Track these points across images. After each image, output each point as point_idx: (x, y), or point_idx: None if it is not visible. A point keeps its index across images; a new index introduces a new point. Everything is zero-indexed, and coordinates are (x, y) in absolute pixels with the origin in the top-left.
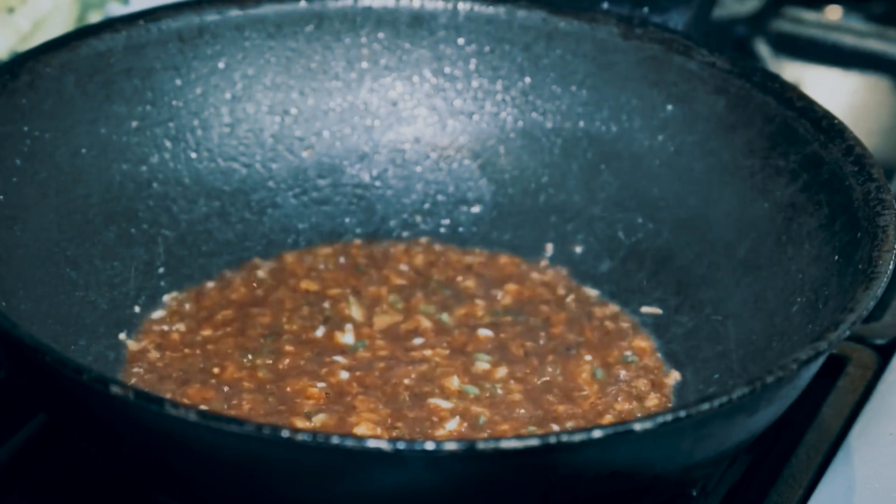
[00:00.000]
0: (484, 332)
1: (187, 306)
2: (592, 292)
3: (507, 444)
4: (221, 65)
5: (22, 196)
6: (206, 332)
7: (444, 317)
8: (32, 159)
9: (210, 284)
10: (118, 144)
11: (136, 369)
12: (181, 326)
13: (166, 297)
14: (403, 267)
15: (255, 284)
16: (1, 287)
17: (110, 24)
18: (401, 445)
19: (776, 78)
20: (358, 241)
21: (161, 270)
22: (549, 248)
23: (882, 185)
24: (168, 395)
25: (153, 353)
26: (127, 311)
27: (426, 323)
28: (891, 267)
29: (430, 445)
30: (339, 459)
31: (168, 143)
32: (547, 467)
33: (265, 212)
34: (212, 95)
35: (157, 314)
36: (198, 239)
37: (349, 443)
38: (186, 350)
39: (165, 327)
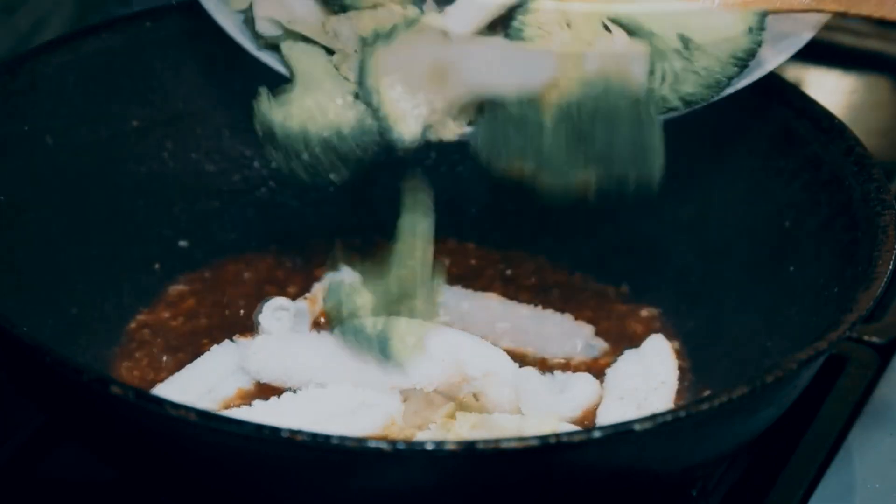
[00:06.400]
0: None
1: (188, 300)
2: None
3: (506, 444)
4: (221, 65)
5: (22, 196)
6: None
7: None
8: (32, 159)
9: (216, 275)
10: (118, 144)
11: (133, 345)
12: (188, 300)
13: (166, 297)
14: None
15: (265, 268)
16: (1, 287)
17: (110, 24)
18: (401, 445)
19: (776, 78)
20: (380, 239)
21: (161, 271)
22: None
23: (882, 185)
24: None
25: (154, 326)
26: (127, 310)
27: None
28: (891, 267)
29: (430, 445)
30: (339, 459)
31: (168, 143)
32: (547, 467)
33: (265, 212)
34: (212, 95)
35: (158, 308)
36: (198, 239)
37: (349, 443)
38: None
39: (169, 303)
